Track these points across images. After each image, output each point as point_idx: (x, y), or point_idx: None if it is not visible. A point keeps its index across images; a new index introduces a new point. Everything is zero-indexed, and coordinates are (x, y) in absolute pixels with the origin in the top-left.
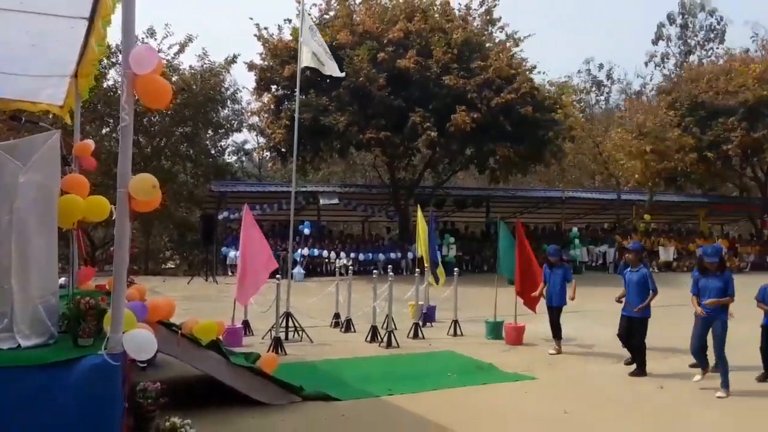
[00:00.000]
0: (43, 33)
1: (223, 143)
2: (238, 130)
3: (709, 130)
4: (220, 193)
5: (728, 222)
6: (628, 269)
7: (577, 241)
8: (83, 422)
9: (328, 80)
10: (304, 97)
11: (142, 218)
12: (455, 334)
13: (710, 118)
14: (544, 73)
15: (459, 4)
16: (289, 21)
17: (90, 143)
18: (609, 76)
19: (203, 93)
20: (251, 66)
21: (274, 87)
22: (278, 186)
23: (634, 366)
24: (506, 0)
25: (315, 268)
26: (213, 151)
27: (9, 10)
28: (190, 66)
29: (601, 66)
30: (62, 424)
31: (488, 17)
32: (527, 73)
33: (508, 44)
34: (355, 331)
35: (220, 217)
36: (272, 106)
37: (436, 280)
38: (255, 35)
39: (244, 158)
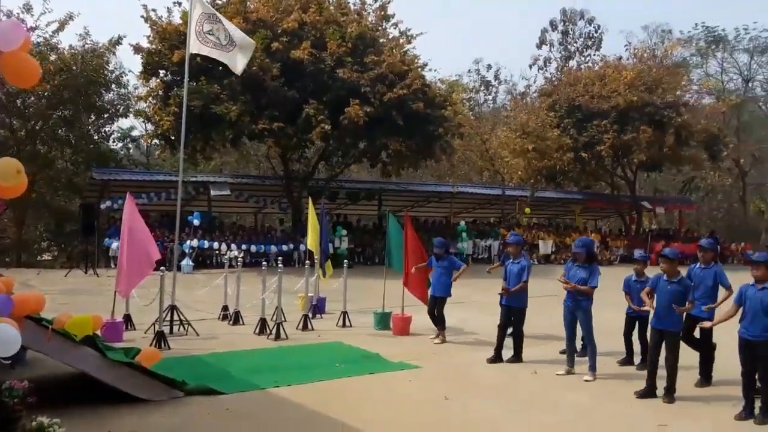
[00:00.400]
0: None
1: (107, 129)
2: (124, 115)
3: (584, 131)
4: (103, 182)
5: (601, 218)
6: (510, 261)
7: (464, 234)
8: None
9: (220, 68)
10: (194, 84)
11: (14, 206)
12: (344, 326)
13: (586, 121)
14: (435, 70)
15: None
16: (179, 4)
17: None
18: (497, 77)
19: (84, 75)
20: (137, 49)
21: (162, 72)
22: (166, 175)
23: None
24: None
25: (205, 260)
26: (96, 137)
27: None
28: (71, 45)
29: (489, 67)
30: None
31: (383, 13)
32: (419, 70)
33: (401, 41)
34: (243, 324)
35: (102, 206)
36: (160, 92)
37: (324, 273)
38: (142, 17)
39: (130, 145)
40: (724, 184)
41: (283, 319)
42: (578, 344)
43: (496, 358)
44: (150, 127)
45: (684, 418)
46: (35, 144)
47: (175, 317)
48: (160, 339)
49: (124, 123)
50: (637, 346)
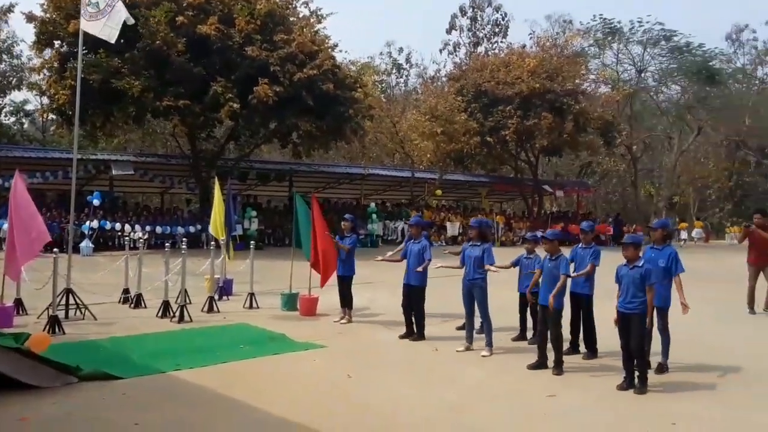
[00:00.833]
0: None
1: None
2: (17, 88)
3: (490, 116)
4: None
5: (506, 200)
6: (411, 240)
7: (374, 216)
8: None
9: (122, 40)
10: (93, 56)
11: None
12: (251, 307)
13: (492, 106)
14: (346, 52)
15: None
16: None
17: None
18: (408, 60)
19: None
20: (30, 18)
21: (57, 42)
22: (63, 152)
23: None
24: None
25: (107, 242)
26: None
27: None
28: None
29: (401, 50)
30: None
31: None
32: (330, 50)
33: (311, 20)
34: (146, 307)
35: None
36: (56, 64)
37: (229, 255)
38: None
39: (24, 120)
40: (618, 169)
41: (187, 301)
42: (477, 322)
43: (407, 335)
44: (45, 101)
45: (571, 388)
46: None
47: (72, 301)
48: (53, 324)
49: (16, 96)
50: (530, 322)
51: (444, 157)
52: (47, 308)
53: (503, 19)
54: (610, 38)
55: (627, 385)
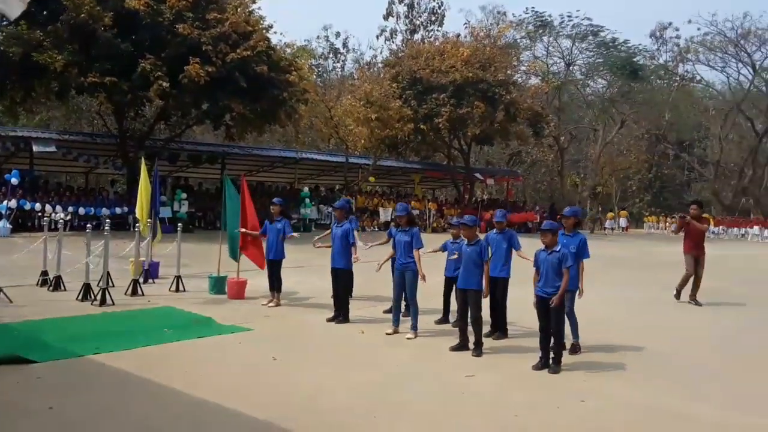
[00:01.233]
0: None
1: None
2: None
3: (424, 104)
4: None
5: (438, 187)
6: (336, 224)
7: (308, 200)
8: None
9: (44, 11)
10: (14, 28)
11: None
12: (177, 290)
13: (426, 93)
14: (281, 34)
15: None
16: None
17: None
18: (345, 45)
19: None
20: None
21: None
22: None
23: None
24: None
25: (26, 223)
26: None
27: None
28: None
29: (338, 34)
30: None
31: None
32: (264, 31)
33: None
34: (65, 290)
35: None
36: None
37: (153, 237)
38: None
39: None
40: (546, 159)
41: (110, 284)
42: (403, 305)
43: (335, 318)
44: None
45: (489, 368)
46: None
47: None
48: None
49: None
50: (454, 306)
51: (378, 143)
52: None
53: (439, 8)
54: (540, 31)
55: (542, 365)
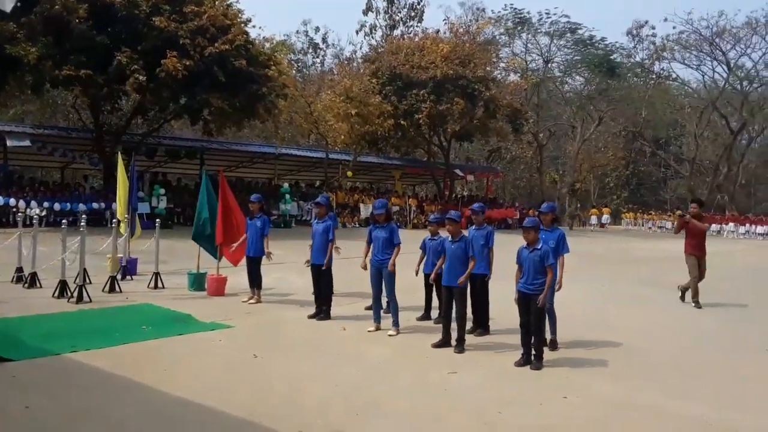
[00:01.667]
0: None
1: None
2: None
3: (404, 99)
4: None
5: (418, 183)
6: (315, 220)
7: (288, 196)
8: None
9: (18, 3)
10: None
11: None
12: (156, 287)
13: (406, 89)
14: (260, 28)
15: None
16: None
17: None
18: (324, 40)
19: None
20: None
21: None
22: None
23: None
24: None
25: (0, 219)
26: None
27: None
28: None
29: (317, 29)
30: None
31: None
32: (243, 25)
33: None
34: (41, 287)
35: None
36: None
37: (132, 233)
38: None
39: None
40: (525, 155)
41: (87, 281)
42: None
43: (316, 314)
44: None
45: (471, 365)
46: None
47: None
48: None
49: None
50: (435, 302)
51: (358, 138)
52: None
53: (419, 4)
54: (519, 28)
55: (524, 361)
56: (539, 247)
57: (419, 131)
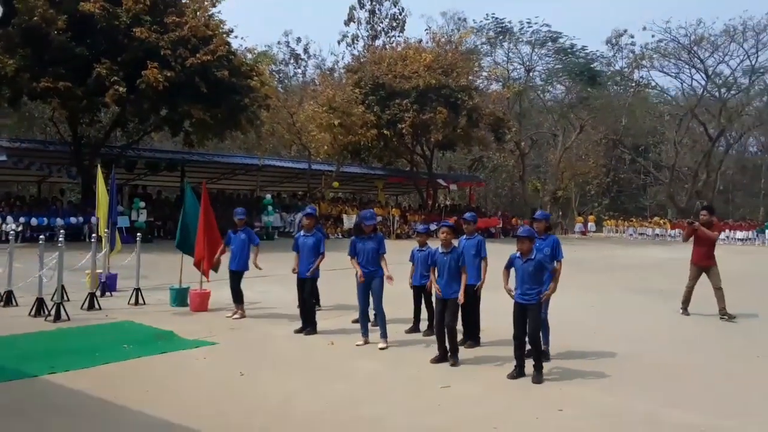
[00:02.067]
0: None
1: None
2: None
3: (387, 109)
4: None
5: (401, 193)
6: (302, 233)
7: (270, 207)
8: None
9: None
10: None
11: None
12: (137, 304)
13: (389, 99)
14: (242, 38)
15: None
16: None
17: None
18: (306, 51)
19: None
20: None
21: None
22: None
23: None
24: None
25: None
26: None
27: None
28: None
29: (299, 40)
30: None
31: None
32: (224, 36)
33: (205, 3)
34: (17, 305)
35: None
36: None
37: (112, 248)
38: None
39: None
40: (507, 164)
41: (65, 298)
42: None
43: (302, 329)
44: None
45: (465, 378)
46: None
47: None
48: None
49: None
50: (424, 314)
51: (341, 149)
52: None
53: (401, 14)
54: (501, 37)
55: (517, 373)
56: (533, 257)
57: (402, 141)
